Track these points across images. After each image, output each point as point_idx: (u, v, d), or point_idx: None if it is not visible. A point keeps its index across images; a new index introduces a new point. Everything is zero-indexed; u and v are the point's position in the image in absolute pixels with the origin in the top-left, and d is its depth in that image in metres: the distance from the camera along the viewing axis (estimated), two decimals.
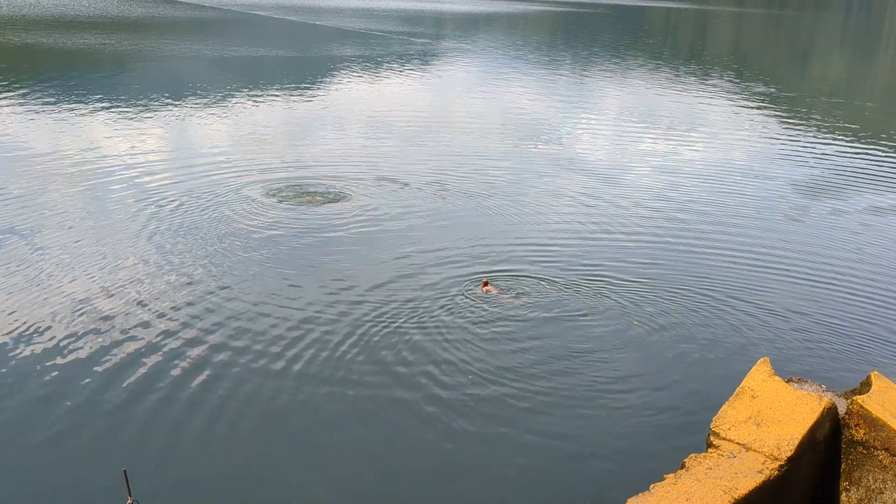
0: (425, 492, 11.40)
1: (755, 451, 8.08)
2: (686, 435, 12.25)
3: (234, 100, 40.18)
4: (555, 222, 23.17)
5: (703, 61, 74.75)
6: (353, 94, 45.13)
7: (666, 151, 33.77)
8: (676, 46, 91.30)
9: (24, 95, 38.76)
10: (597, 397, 13.73)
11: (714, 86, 55.23)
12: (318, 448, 12.15)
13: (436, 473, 11.79)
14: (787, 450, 8.08)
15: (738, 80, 59.40)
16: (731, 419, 8.53)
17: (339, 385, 13.65)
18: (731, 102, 48.17)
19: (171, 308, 16.12)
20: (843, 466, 8.89)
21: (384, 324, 15.92)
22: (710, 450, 8.27)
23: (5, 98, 37.90)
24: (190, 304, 16.37)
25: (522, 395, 13.64)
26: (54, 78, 45.33)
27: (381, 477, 11.58)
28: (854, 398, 8.76)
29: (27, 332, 14.86)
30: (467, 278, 18.35)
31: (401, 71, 54.81)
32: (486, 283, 17.90)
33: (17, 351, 14.22)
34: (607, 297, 17.77)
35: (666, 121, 40.88)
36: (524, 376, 14.24)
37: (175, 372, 13.77)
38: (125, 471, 9.40)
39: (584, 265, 19.72)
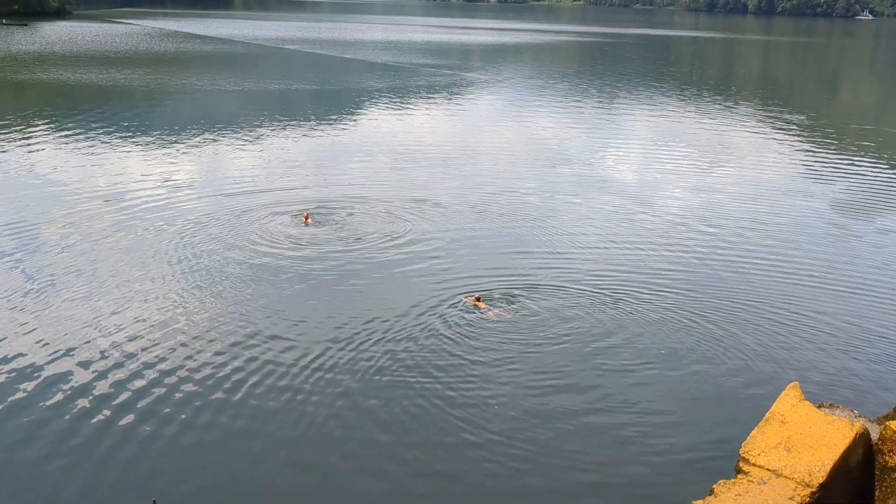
0: None
1: (786, 477, 7.92)
2: (714, 460, 12.06)
3: (264, 132, 40.67)
4: (583, 242, 23.27)
5: (731, 89, 74.52)
6: (381, 124, 45.53)
7: (695, 175, 33.65)
8: (704, 75, 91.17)
9: (58, 129, 39.53)
10: (622, 421, 13.58)
11: (743, 113, 55.02)
12: (345, 478, 12.08)
13: (456, 499, 11.68)
14: (819, 476, 7.92)
15: (766, 108, 59.11)
16: (760, 445, 8.38)
17: (364, 413, 13.66)
18: (760, 129, 47.91)
19: (199, 337, 16.24)
20: (876, 493, 8.68)
21: (406, 339, 16.05)
22: (739, 476, 8.12)
23: (41, 132, 38.68)
24: (219, 332, 16.48)
25: (544, 419, 13.52)
26: (88, 112, 46.20)
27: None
28: (887, 423, 8.58)
29: (56, 361, 15.03)
30: (495, 293, 18.49)
31: (429, 101, 55.25)
32: (477, 299, 18.01)
33: (48, 380, 14.37)
34: (634, 316, 17.72)
35: (695, 146, 40.71)
36: (546, 400, 14.14)
37: (205, 402, 13.83)
38: (154, 501, 9.43)
39: (612, 284, 19.69)
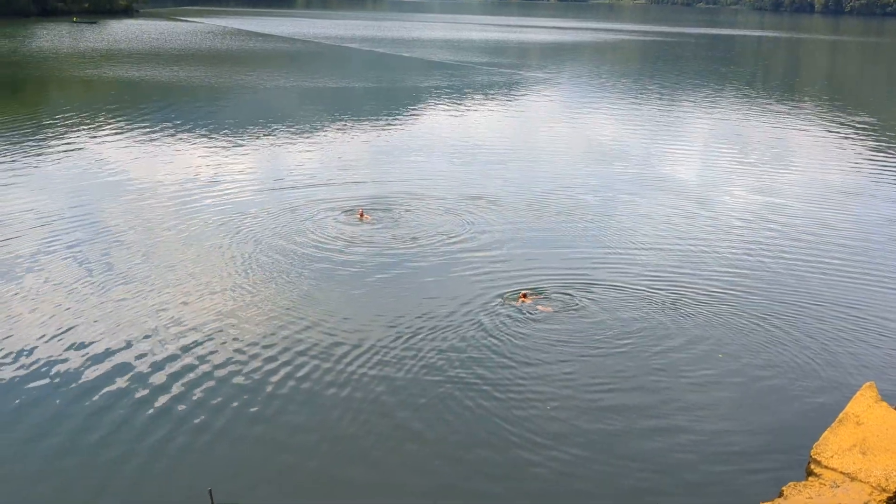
0: None
1: (861, 481, 7.57)
2: (784, 462, 11.46)
3: (323, 129, 40.95)
4: (641, 242, 22.84)
5: (796, 90, 72.73)
6: (439, 122, 45.47)
7: (758, 175, 32.75)
8: (768, 75, 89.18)
9: (123, 124, 40.37)
10: (682, 424, 13.15)
11: (807, 114, 53.57)
12: (389, 474, 11.95)
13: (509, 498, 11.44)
14: None
15: (832, 109, 57.45)
16: (833, 446, 8.05)
17: (422, 399, 13.58)
18: (825, 130, 46.58)
19: (250, 329, 16.29)
20: None
21: (456, 338, 15.85)
22: (810, 478, 7.81)
23: (107, 126, 39.55)
24: (269, 325, 16.51)
25: (599, 422, 13.16)
26: (152, 108, 47.13)
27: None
28: None
29: (110, 350, 15.24)
30: (556, 288, 18.23)
31: (486, 100, 55.00)
32: (524, 296, 17.76)
33: (102, 368, 14.55)
34: (693, 317, 17.25)
35: (757, 147, 39.71)
36: (601, 402, 13.76)
37: (260, 390, 13.89)
38: (210, 490, 9.42)
39: (670, 285, 19.23)
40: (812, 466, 7.89)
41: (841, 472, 7.64)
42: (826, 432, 8.29)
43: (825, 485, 7.54)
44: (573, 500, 11.36)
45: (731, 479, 11.57)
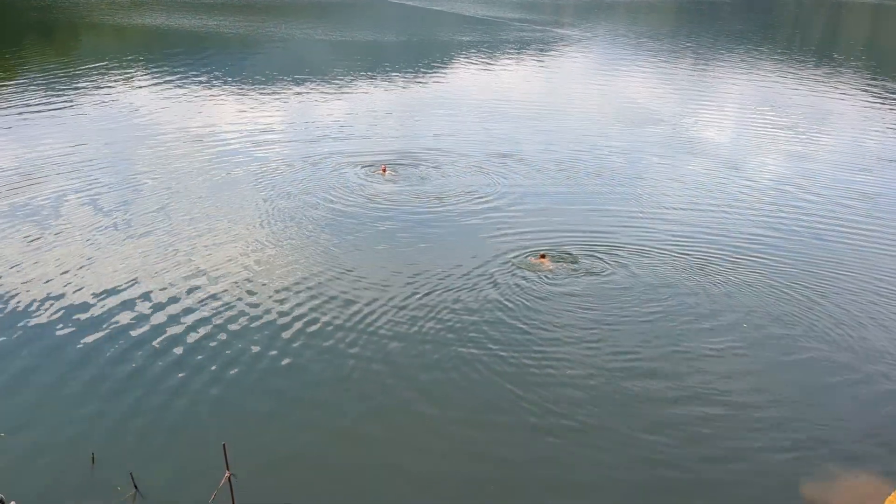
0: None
1: None
2: (814, 464, 10.37)
3: (351, 82, 40.50)
4: (671, 204, 22.36)
5: (835, 54, 70.85)
6: (469, 78, 44.83)
7: (793, 141, 31.97)
8: (807, 38, 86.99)
9: (154, 73, 40.23)
10: (709, 411, 12.27)
11: (846, 79, 52.14)
12: (416, 433, 11.75)
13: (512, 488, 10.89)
14: None
15: (872, 75, 55.98)
16: None
17: (439, 366, 13.32)
18: (864, 96, 45.28)
19: (270, 281, 16.06)
20: None
21: (469, 307, 15.34)
22: None
23: (140, 75, 39.35)
24: (296, 280, 16.25)
25: (618, 403, 12.47)
26: (182, 56, 46.77)
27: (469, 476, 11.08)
28: None
29: (131, 297, 15.12)
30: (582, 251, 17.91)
31: (518, 57, 54.07)
32: (543, 256, 17.49)
33: (120, 315, 14.40)
34: (725, 287, 16.57)
35: (794, 112, 38.65)
36: (622, 380, 13.07)
37: (273, 344, 13.70)
38: (224, 444, 9.32)
39: (701, 246, 18.72)
40: None
41: None
42: (893, 495, 7.71)
43: None
44: (591, 477, 10.98)
45: (756, 480, 10.84)
